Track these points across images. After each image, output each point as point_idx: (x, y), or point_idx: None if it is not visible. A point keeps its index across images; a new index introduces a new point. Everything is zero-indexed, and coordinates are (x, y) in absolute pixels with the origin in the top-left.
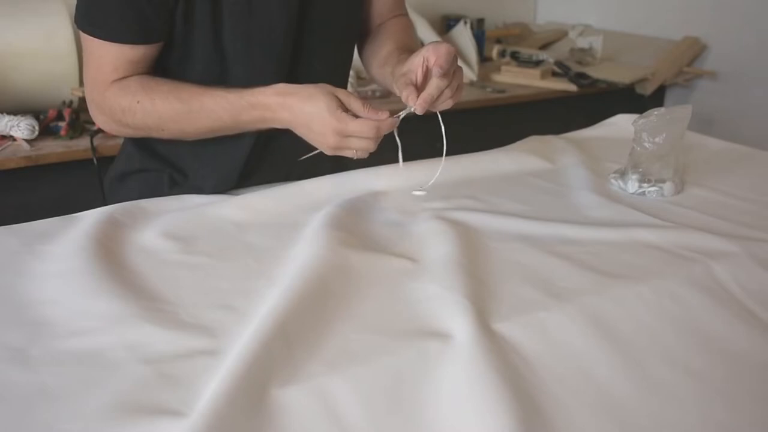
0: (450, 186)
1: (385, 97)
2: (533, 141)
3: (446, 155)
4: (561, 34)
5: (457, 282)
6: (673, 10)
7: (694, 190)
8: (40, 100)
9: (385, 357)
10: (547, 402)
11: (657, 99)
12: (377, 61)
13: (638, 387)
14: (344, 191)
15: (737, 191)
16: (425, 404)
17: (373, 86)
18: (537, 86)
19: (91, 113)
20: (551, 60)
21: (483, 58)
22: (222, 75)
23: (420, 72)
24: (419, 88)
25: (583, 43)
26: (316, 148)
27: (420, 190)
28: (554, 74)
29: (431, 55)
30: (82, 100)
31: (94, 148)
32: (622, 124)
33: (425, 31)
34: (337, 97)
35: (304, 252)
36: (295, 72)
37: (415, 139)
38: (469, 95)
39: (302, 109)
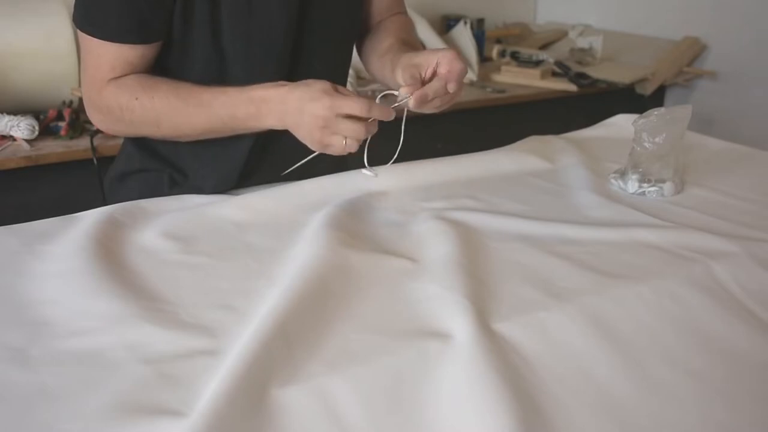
0: (450, 186)
1: (385, 97)
2: (533, 141)
3: (446, 155)
4: (561, 34)
5: (457, 282)
6: (673, 10)
7: (694, 190)
8: (40, 100)
9: (385, 357)
10: (547, 402)
11: (657, 99)
12: (377, 53)
13: (638, 387)
14: (344, 191)
15: (737, 191)
16: (425, 404)
17: (373, 86)
18: (537, 86)
19: (87, 113)
20: (551, 60)
21: (483, 58)
22: (221, 75)
23: (430, 71)
24: (423, 85)
25: (583, 43)
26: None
27: (369, 170)
28: (554, 74)
29: (445, 65)
30: (82, 100)
31: (94, 148)
32: (622, 124)
33: (425, 31)
34: (332, 84)
35: (304, 252)
36: (294, 72)
37: (417, 139)
38: (469, 95)
39: (295, 92)
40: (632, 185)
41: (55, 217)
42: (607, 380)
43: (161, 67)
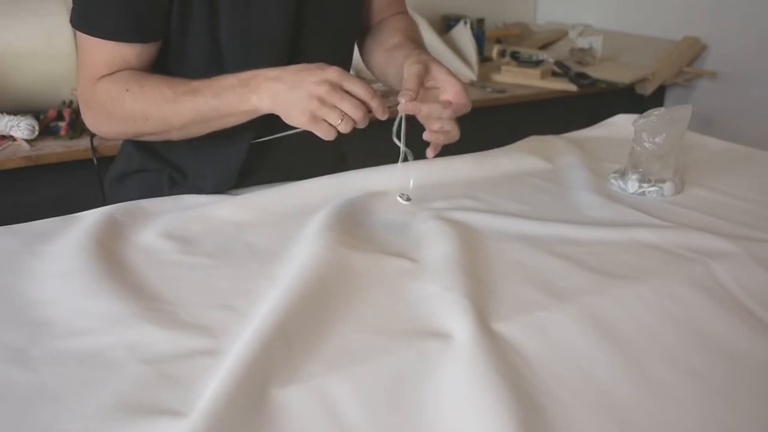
0: (450, 186)
1: (385, 97)
2: (533, 141)
3: (446, 155)
4: (561, 34)
5: (457, 282)
6: (673, 10)
7: (694, 190)
8: (40, 100)
9: (385, 357)
10: (547, 402)
11: (657, 99)
12: (383, 48)
13: (638, 387)
14: (344, 191)
15: (737, 191)
16: (425, 404)
17: (372, 86)
18: (537, 86)
19: (82, 114)
20: (551, 60)
21: (483, 58)
22: (219, 75)
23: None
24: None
25: (583, 43)
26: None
27: (403, 197)
28: (554, 74)
29: (450, 94)
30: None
31: (94, 148)
32: (622, 124)
33: (425, 31)
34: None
35: (304, 252)
36: None
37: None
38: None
39: (294, 67)
40: (632, 185)
41: (55, 217)
42: (607, 380)
43: (158, 68)
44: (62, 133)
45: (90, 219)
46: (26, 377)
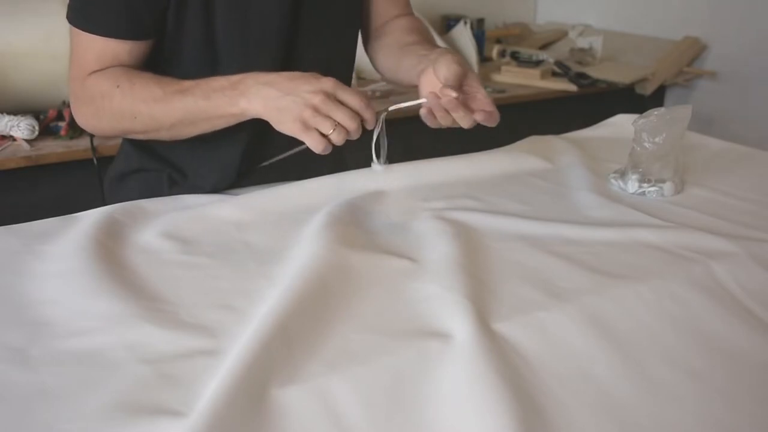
0: (450, 186)
1: (385, 97)
2: (533, 141)
3: (446, 155)
4: (561, 34)
5: (457, 282)
6: (673, 10)
7: (694, 190)
8: (40, 100)
9: (385, 357)
10: (547, 402)
11: (657, 99)
12: (397, 45)
13: (638, 387)
14: (344, 191)
15: (737, 191)
16: (425, 404)
17: (373, 86)
18: (537, 86)
19: (73, 111)
20: (551, 60)
21: (483, 58)
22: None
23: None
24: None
25: (583, 43)
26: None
27: (378, 164)
28: (554, 74)
29: (480, 104)
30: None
31: (94, 148)
32: (622, 124)
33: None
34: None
35: (304, 252)
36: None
37: (418, 139)
38: None
39: (289, 74)
40: (632, 185)
41: (55, 217)
42: (607, 380)
43: (151, 67)
44: (62, 133)
45: (90, 219)
46: (26, 377)
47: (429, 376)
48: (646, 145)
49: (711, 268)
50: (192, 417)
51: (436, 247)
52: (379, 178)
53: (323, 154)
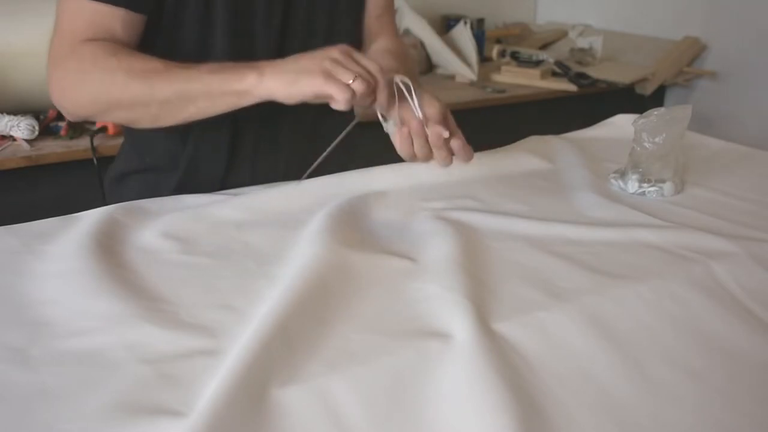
0: (450, 186)
1: None
2: (533, 141)
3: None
4: (561, 34)
5: (457, 282)
6: (673, 10)
7: (694, 190)
8: (40, 100)
9: (385, 357)
10: (547, 402)
11: (657, 99)
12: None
13: (638, 387)
14: (344, 191)
15: (737, 191)
16: (425, 404)
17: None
18: (537, 86)
19: (48, 79)
20: (551, 60)
21: (483, 58)
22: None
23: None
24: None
25: (583, 43)
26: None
27: (387, 122)
28: (554, 74)
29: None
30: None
31: (94, 148)
32: (622, 124)
33: (425, 31)
34: None
35: (304, 252)
36: None
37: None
38: (469, 95)
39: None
40: (632, 185)
41: (55, 217)
42: (607, 380)
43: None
44: (62, 133)
45: (90, 219)
46: (26, 377)
47: (429, 376)
48: (646, 145)
49: (711, 268)
50: (192, 417)
51: (436, 247)
52: (379, 178)
53: (345, 108)
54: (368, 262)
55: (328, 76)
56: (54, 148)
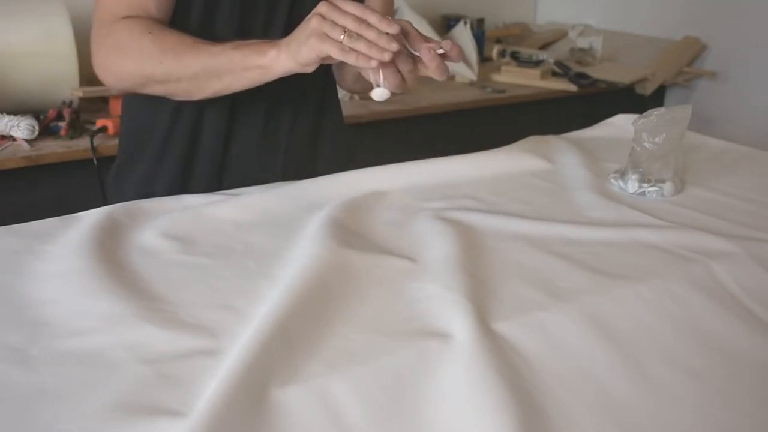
0: (450, 186)
1: None
2: (533, 141)
3: (446, 155)
4: (561, 34)
5: (457, 282)
6: (673, 10)
7: (694, 190)
8: (40, 100)
9: (385, 357)
10: (547, 402)
11: (657, 99)
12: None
13: (638, 387)
14: (344, 191)
15: (737, 191)
16: (425, 404)
17: None
18: (537, 86)
19: (93, 57)
20: (551, 60)
21: (483, 58)
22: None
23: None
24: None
25: (583, 43)
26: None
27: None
28: (554, 74)
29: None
30: (82, 100)
31: (94, 148)
32: (622, 124)
33: (425, 31)
34: None
35: (304, 252)
36: None
37: (418, 139)
38: (469, 95)
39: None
40: (632, 185)
41: (55, 217)
42: (606, 380)
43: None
44: (62, 133)
45: (90, 219)
46: (26, 377)
47: (429, 376)
48: (646, 145)
49: (711, 268)
50: (192, 417)
51: (436, 247)
52: (380, 177)
53: (354, 62)
54: (368, 262)
55: (320, 36)
56: (54, 148)
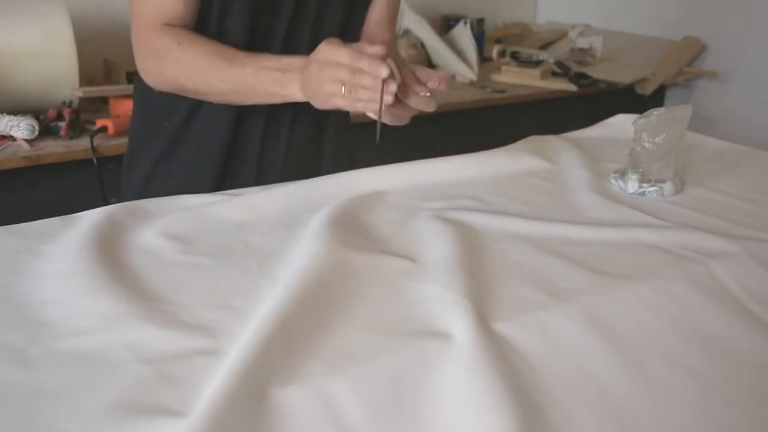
0: (450, 186)
1: None
2: (533, 141)
3: (446, 155)
4: (561, 34)
5: (457, 282)
6: (673, 10)
7: (694, 190)
8: (40, 100)
9: (385, 357)
10: (547, 402)
11: (657, 99)
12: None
13: (638, 387)
14: (344, 191)
15: (737, 191)
16: (425, 404)
17: None
18: (537, 86)
19: (138, 65)
20: (551, 60)
21: (483, 58)
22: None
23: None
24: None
25: (583, 43)
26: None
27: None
28: (554, 74)
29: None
30: (82, 100)
31: (94, 148)
32: (622, 124)
33: (425, 31)
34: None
35: (304, 252)
36: None
37: (418, 139)
38: (469, 95)
39: (318, 57)
40: (632, 185)
41: (55, 217)
42: (606, 380)
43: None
44: (62, 133)
45: (90, 219)
46: (26, 377)
47: (429, 376)
48: (646, 145)
49: (711, 268)
50: (192, 417)
51: (436, 247)
52: (380, 177)
53: (357, 111)
54: (368, 262)
55: (327, 94)
56: (54, 148)
